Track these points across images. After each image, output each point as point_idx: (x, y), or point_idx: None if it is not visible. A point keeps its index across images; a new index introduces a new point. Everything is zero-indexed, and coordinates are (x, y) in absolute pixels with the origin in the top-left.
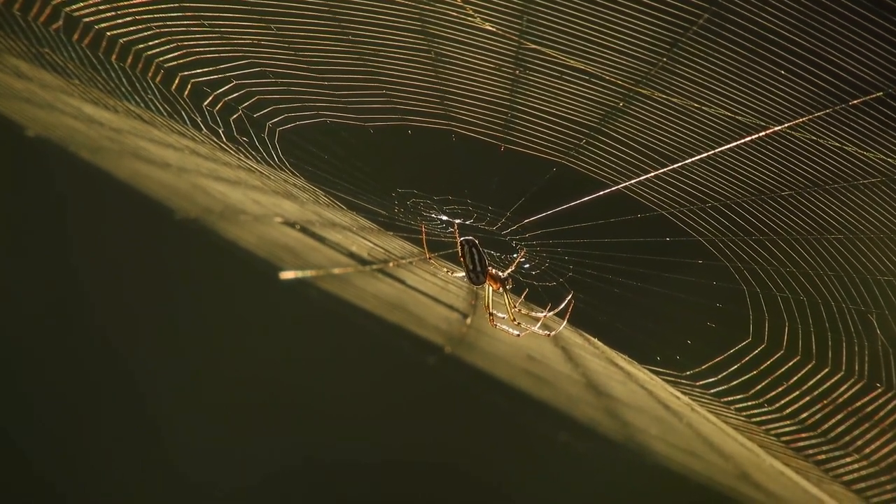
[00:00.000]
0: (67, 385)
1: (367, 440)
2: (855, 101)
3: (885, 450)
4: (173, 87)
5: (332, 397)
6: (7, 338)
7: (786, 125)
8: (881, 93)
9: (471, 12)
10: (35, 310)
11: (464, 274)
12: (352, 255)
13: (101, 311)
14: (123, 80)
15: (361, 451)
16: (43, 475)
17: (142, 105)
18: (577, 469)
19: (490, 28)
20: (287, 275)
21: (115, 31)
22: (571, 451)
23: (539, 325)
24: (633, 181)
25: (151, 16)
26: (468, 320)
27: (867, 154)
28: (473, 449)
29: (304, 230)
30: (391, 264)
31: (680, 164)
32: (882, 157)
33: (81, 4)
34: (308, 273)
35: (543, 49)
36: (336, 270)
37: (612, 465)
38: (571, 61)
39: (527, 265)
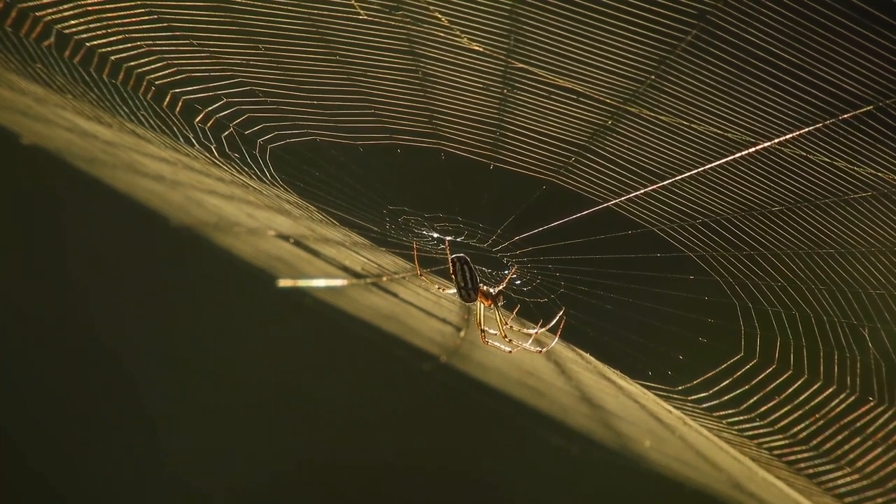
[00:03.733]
0: (66, 388)
1: (365, 443)
2: (845, 116)
3: (877, 463)
4: (164, 103)
5: (329, 401)
6: (6, 343)
7: (775, 141)
8: (871, 106)
9: (458, 33)
10: (33, 314)
11: (455, 291)
12: (345, 269)
13: (99, 314)
14: (115, 95)
15: (359, 454)
16: (42, 477)
17: (134, 120)
18: (574, 472)
19: (477, 48)
20: (284, 283)
21: (105, 49)
22: (567, 455)
23: (531, 341)
24: (622, 198)
25: (142, 34)
26: (462, 333)
27: (857, 169)
28: (469, 451)
29: (297, 244)
30: (384, 278)
31: (669, 180)
32: (872, 171)
33: (73, 22)
34: (303, 283)
35: (531, 68)
36: (330, 282)
37: (608, 470)
38: (559, 80)
39: (518, 281)
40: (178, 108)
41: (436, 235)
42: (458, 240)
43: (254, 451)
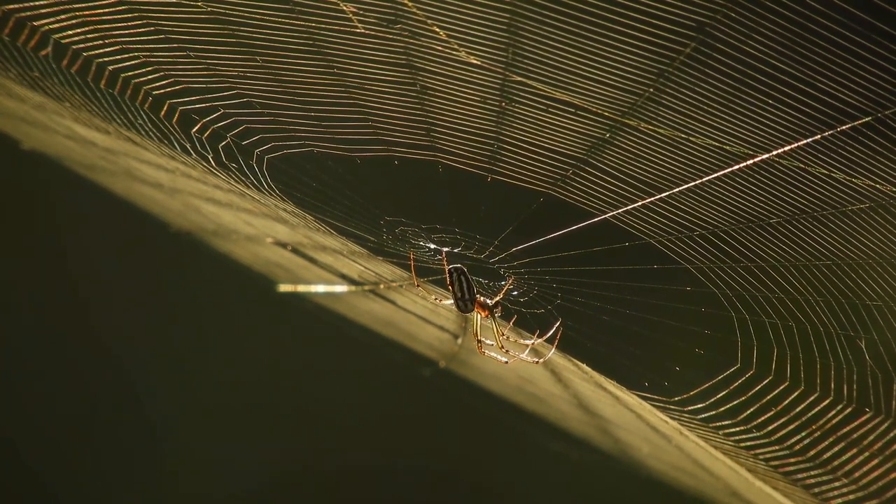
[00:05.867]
0: (67, 390)
1: (365, 446)
2: (843, 127)
3: (874, 474)
4: (162, 113)
5: (329, 403)
6: (5, 347)
7: (773, 153)
8: (869, 118)
9: (456, 46)
10: (34, 317)
11: (452, 301)
12: (343, 276)
13: (98, 317)
14: (112, 104)
15: (360, 457)
16: (43, 481)
17: (131, 129)
18: (573, 476)
19: (475, 61)
20: (284, 287)
21: (103, 59)
22: (566, 460)
23: (527, 351)
24: (620, 210)
25: (139, 45)
26: (459, 341)
27: (855, 180)
28: (469, 454)
29: (295, 251)
30: (381, 286)
31: (667, 193)
32: (870, 182)
33: (70, 32)
34: (303, 288)
35: (529, 81)
36: (329, 288)
37: (607, 475)
38: (557, 93)
39: (515, 292)
40: (175, 119)
41: (433, 246)
42: (456, 251)
43: (253, 453)
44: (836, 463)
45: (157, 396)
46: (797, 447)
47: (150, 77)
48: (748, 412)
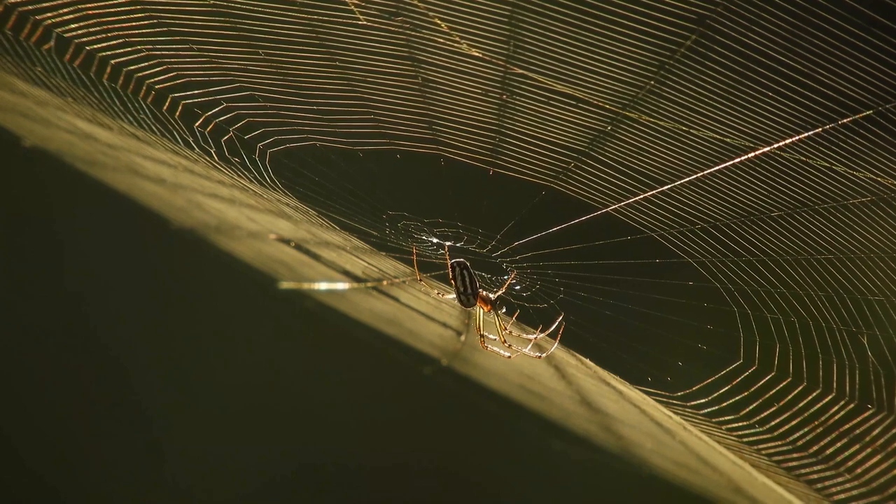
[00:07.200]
0: (66, 390)
1: (365, 446)
2: (844, 120)
3: (876, 470)
4: (164, 107)
5: (330, 403)
6: (5, 347)
7: (774, 146)
8: (871, 111)
9: (457, 39)
10: (33, 316)
11: (454, 296)
12: (346, 273)
13: (99, 316)
14: (115, 99)
15: (360, 458)
16: (42, 481)
17: (134, 124)
18: (574, 475)
19: (477, 54)
20: (286, 285)
21: (105, 53)
22: (567, 459)
23: (530, 346)
24: (621, 204)
25: (141, 38)
26: (462, 337)
27: (857, 173)
28: (470, 454)
29: (298, 247)
30: (385, 282)
31: (669, 186)
32: (871, 176)
33: (73, 26)
34: (305, 286)
35: (530, 74)
36: (332, 285)
37: (609, 473)
38: (559, 86)
39: (517, 287)
40: (177, 113)
41: (435, 241)
42: (458, 245)
43: (254, 454)
44: (838, 459)
45: (157, 396)
46: (800, 443)
47: (152, 70)
48: (751, 407)
